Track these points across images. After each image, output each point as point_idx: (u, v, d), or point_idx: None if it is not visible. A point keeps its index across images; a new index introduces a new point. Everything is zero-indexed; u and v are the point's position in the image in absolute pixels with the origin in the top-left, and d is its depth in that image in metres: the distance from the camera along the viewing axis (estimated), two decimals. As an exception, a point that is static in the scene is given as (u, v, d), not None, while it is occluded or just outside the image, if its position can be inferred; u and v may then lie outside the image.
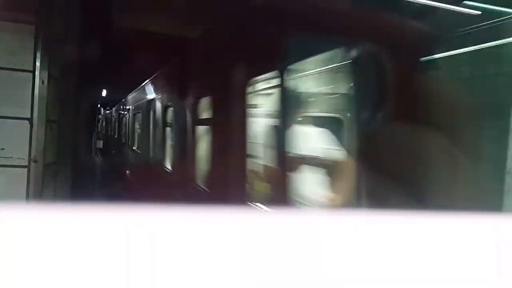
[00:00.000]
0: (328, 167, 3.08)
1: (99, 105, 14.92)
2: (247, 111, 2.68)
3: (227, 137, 2.91)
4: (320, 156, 3.21)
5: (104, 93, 10.50)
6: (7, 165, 2.27)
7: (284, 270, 0.56)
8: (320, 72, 4.60)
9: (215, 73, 3.29)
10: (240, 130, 2.71)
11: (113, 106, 16.92)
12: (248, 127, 2.72)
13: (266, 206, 2.63)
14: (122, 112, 13.01)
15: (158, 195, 5.93)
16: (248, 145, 2.75)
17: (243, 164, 2.70)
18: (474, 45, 3.21)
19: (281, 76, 2.51)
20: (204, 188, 3.67)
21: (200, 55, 3.88)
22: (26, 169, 2.32)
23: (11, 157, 2.29)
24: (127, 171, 10.22)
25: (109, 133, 18.70)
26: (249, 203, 2.72)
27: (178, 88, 4.96)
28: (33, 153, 2.33)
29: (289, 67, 2.53)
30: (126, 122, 11.96)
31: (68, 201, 3.72)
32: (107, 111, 19.23)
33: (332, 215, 0.66)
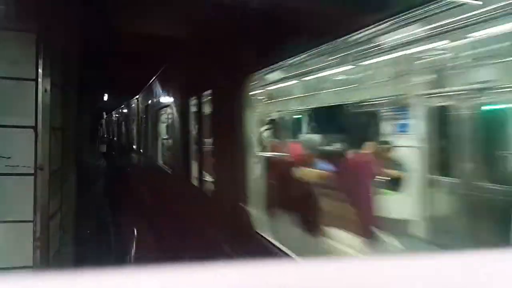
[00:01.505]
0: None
1: (101, 110, 14.94)
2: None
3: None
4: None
5: (105, 97, 10.52)
6: (14, 174, 2.29)
7: None
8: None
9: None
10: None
11: (115, 110, 16.98)
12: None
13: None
14: (124, 116, 13.06)
15: (161, 196, 5.97)
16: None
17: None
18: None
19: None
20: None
21: (199, 54, 3.91)
22: (32, 177, 2.34)
23: (18, 166, 2.30)
24: (130, 174, 10.27)
25: (112, 137, 18.78)
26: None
27: (177, 89, 4.98)
28: (39, 161, 2.35)
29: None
30: (127, 125, 12.01)
31: (74, 207, 3.74)
32: (110, 116, 19.29)
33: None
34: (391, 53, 4.90)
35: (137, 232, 4.31)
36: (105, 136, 20.47)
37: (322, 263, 0.62)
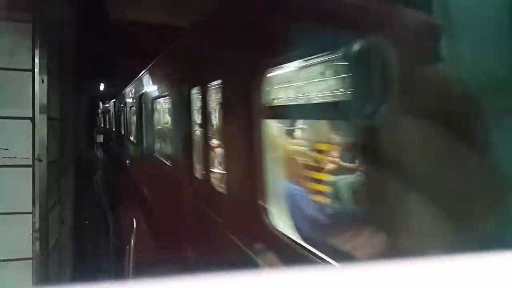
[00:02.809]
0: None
1: (98, 100, 14.88)
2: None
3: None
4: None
5: (102, 87, 10.47)
6: (12, 165, 2.28)
7: None
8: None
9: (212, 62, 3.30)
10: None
11: (111, 100, 16.92)
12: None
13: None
14: (120, 105, 13.01)
15: (157, 187, 5.97)
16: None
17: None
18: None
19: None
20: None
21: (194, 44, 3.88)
22: (30, 168, 2.33)
23: (15, 157, 2.29)
24: (127, 164, 10.27)
25: (108, 127, 18.74)
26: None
27: (173, 77, 4.96)
28: (36, 152, 2.33)
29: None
30: (123, 115, 11.98)
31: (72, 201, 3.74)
32: (106, 105, 19.23)
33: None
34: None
35: (135, 222, 4.34)
36: (102, 126, 20.44)
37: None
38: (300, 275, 0.57)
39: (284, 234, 2.15)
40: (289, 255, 2.05)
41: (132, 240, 3.67)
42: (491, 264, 0.62)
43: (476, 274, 0.59)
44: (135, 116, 9.14)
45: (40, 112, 2.35)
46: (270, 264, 2.17)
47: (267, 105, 2.40)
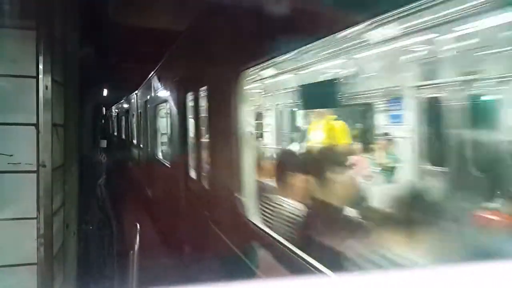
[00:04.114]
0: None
1: (101, 105, 14.94)
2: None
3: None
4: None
5: (105, 93, 10.52)
6: (16, 171, 2.29)
7: None
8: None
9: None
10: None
11: (114, 106, 16.97)
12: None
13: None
14: (123, 111, 13.06)
15: (160, 191, 5.98)
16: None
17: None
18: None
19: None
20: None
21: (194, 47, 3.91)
22: (35, 174, 2.34)
23: (20, 163, 2.30)
24: (131, 169, 10.28)
25: (112, 132, 18.80)
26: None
27: (175, 82, 4.98)
28: (41, 158, 2.35)
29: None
30: (127, 120, 12.02)
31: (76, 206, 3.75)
32: (109, 111, 19.27)
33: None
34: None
35: (139, 227, 4.34)
36: (105, 131, 20.50)
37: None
38: (300, 285, 0.57)
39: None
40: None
41: (136, 246, 3.67)
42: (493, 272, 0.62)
43: (478, 283, 0.60)
44: (138, 121, 9.17)
45: (45, 118, 2.37)
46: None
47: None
